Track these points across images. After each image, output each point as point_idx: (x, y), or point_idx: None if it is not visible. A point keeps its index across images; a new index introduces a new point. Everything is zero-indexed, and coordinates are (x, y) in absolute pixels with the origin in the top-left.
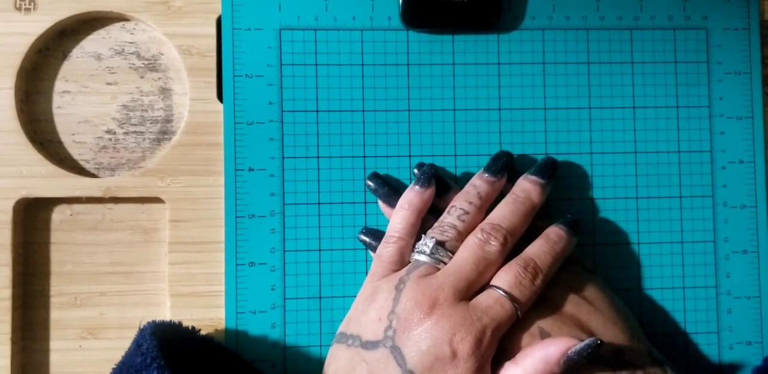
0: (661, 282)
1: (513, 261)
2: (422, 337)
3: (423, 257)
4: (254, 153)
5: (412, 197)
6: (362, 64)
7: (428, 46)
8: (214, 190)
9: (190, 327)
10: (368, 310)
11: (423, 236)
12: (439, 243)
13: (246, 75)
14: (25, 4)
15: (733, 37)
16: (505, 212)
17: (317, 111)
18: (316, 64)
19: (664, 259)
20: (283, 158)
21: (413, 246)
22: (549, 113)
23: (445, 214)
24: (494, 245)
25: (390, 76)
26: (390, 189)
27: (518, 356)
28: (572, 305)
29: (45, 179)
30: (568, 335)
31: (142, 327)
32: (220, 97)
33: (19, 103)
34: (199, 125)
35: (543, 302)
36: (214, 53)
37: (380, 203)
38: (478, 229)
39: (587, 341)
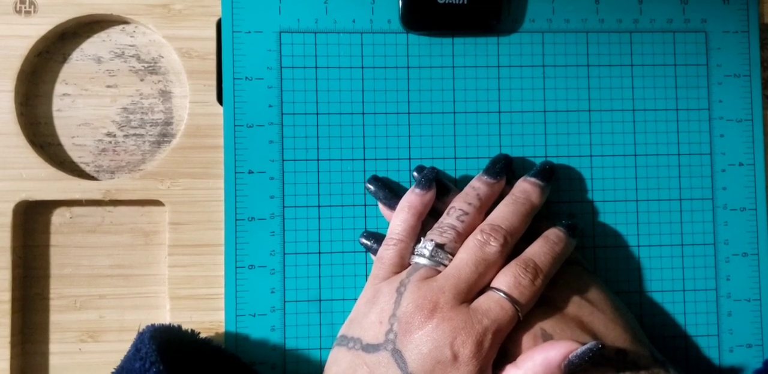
0: (661, 284)
1: (513, 262)
2: (423, 341)
3: (423, 260)
4: (254, 156)
5: (413, 199)
6: (362, 67)
7: (428, 49)
8: (214, 193)
9: (189, 330)
10: (369, 313)
11: (422, 238)
12: (439, 246)
13: (246, 78)
14: (25, 7)
15: (733, 39)
16: (504, 213)
17: (317, 114)
18: (316, 67)
19: (664, 262)
20: (283, 160)
21: (413, 248)
22: (549, 115)
23: (444, 215)
24: (494, 246)
25: (390, 78)
26: (390, 192)
27: (519, 359)
28: (574, 306)
29: (45, 182)
30: (571, 336)
31: (140, 330)
32: (220, 99)
33: (19, 106)
34: (199, 128)
35: (545, 303)
36: (214, 56)
37: (380, 205)
38: (477, 230)
39: (588, 345)
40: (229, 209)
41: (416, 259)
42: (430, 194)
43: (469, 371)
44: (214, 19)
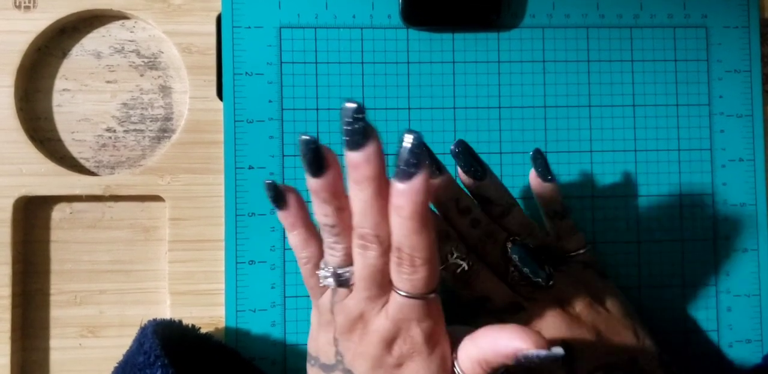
0: (661, 280)
1: (391, 260)
2: (364, 356)
3: (333, 284)
4: (254, 151)
5: (284, 214)
6: (362, 63)
7: (428, 45)
8: (214, 188)
9: (190, 326)
10: (319, 335)
11: (321, 263)
12: (336, 268)
13: (246, 73)
14: (24, 2)
15: (733, 35)
16: (359, 212)
17: (317, 109)
18: (316, 63)
19: (664, 257)
20: (283, 156)
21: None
22: (549, 111)
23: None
24: (372, 252)
25: (390, 74)
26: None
27: (476, 333)
28: (590, 312)
29: (45, 178)
30: (584, 342)
31: (143, 325)
32: (220, 95)
33: (19, 101)
34: (199, 123)
35: (560, 305)
36: (214, 51)
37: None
38: (353, 239)
39: (553, 350)
40: (229, 205)
41: (326, 282)
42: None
43: (422, 367)
44: (214, 14)
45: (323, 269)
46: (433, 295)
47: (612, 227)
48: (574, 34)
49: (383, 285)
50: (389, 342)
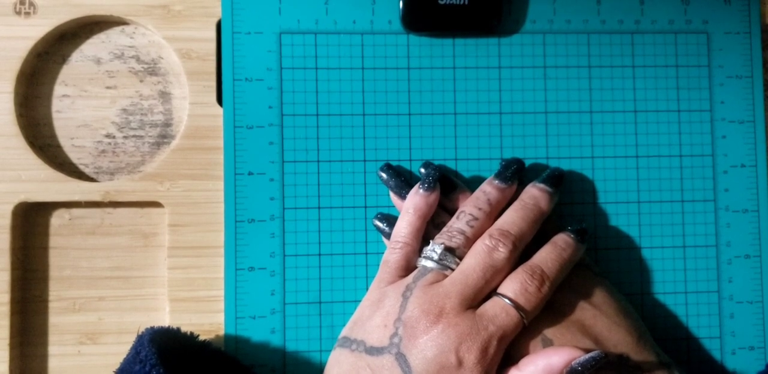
0: (663, 286)
1: (520, 268)
2: (428, 345)
3: (430, 264)
4: (254, 157)
5: (418, 201)
6: (362, 68)
7: (429, 50)
8: (214, 194)
9: (188, 333)
10: (374, 316)
11: (431, 241)
12: (448, 250)
13: (246, 79)
14: (24, 8)
15: (735, 40)
16: (513, 218)
17: (317, 115)
18: (316, 68)
19: (666, 264)
20: (283, 162)
21: (420, 251)
22: (550, 116)
23: (453, 219)
24: (502, 252)
25: (390, 79)
26: (401, 181)
27: (522, 362)
28: (577, 309)
29: (44, 184)
30: (571, 341)
31: (140, 333)
32: (219, 101)
33: (19, 107)
34: (198, 129)
35: (548, 307)
36: (213, 57)
37: (391, 194)
38: (486, 235)
39: (592, 354)
40: (228, 211)
41: (424, 262)
42: (435, 195)
43: None
44: (214, 20)
45: (434, 244)
46: (526, 320)
47: (613, 234)
48: (575, 40)
49: (480, 289)
50: (461, 341)
